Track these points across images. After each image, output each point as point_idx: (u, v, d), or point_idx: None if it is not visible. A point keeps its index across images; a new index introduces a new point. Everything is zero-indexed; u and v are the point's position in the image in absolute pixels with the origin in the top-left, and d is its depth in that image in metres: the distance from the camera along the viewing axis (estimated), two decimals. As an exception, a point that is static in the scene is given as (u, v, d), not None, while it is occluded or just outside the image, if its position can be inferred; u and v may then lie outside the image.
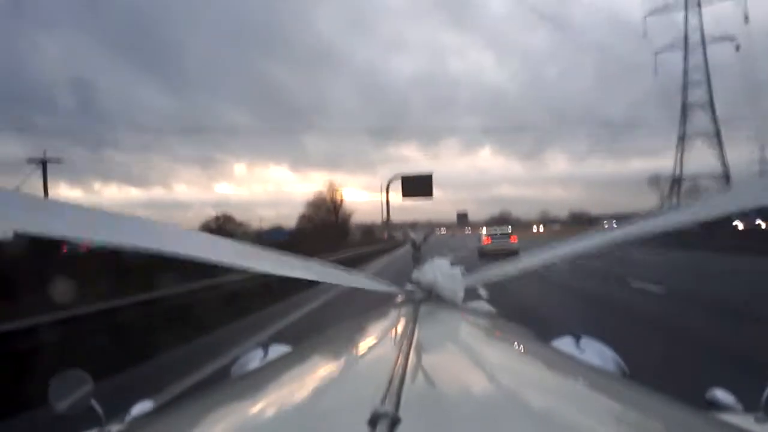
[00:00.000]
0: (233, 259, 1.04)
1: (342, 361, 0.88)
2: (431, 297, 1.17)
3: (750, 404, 1.07)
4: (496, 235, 24.25)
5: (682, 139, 55.68)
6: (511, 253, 11.66)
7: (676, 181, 56.43)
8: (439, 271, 1.20)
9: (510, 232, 24.64)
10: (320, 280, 1.32)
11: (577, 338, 1.42)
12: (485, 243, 23.55)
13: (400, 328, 0.96)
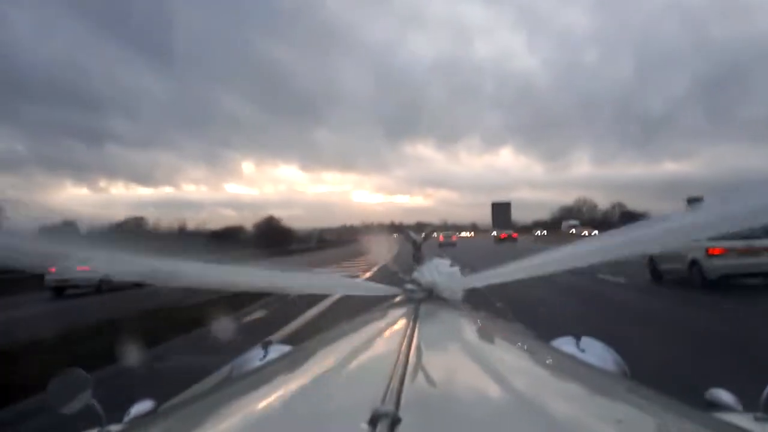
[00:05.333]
0: (220, 279, 0.94)
1: (342, 360, 0.88)
2: (431, 297, 1.17)
3: (750, 404, 1.07)
4: (446, 235, 44.14)
5: None
6: (452, 245, 38.01)
7: None
8: (439, 271, 1.20)
9: (452, 233, 45.80)
10: (315, 291, 1.31)
11: (578, 338, 1.42)
12: (440, 240, 41.38)
13: (400, 327, 0.96)
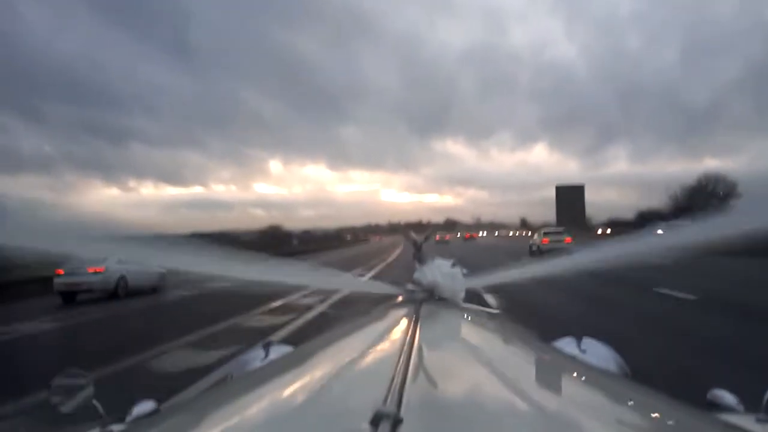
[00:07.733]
0: (219, 269, 0.99)
1: (344, 361, 0.88)
2: (433, 297, 1.17)
3: (751, 405, 1.07)
4: (441, 235, 60.96)
5: None
6: (445, 243, 57.28)
7: None
8: (440, 272, 1.20)
9: (446, 233, 74.27)
10: (319, 286, 1.32)
11: (579, 339, 1.42)
12: (436, 239, 51.07)
13: (401, 328, 0.96)
